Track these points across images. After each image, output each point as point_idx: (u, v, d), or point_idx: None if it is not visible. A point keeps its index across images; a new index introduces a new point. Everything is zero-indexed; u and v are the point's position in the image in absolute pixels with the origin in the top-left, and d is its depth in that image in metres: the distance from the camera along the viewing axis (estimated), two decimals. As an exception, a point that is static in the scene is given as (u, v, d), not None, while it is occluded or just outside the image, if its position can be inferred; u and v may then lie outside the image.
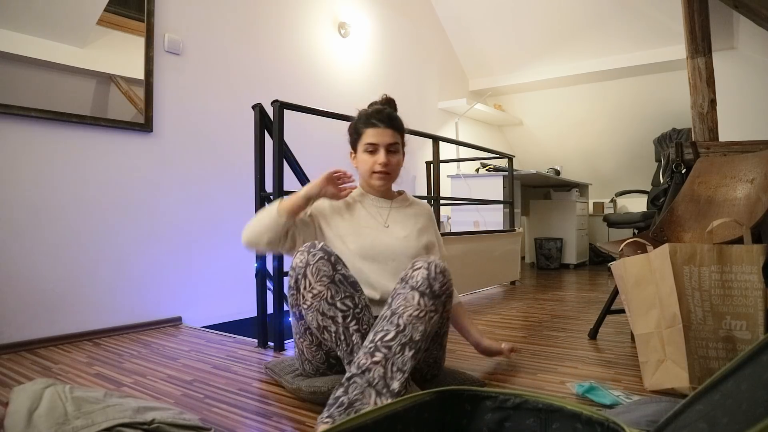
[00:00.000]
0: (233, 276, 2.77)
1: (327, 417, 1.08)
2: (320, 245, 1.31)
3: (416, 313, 1.19)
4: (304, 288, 1.27)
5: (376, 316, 1.34)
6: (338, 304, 1.25)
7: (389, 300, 1.25)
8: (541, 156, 5.84)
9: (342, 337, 1.25)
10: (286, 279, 1.97)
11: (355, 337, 1.24)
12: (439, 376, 1.49)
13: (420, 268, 1.25)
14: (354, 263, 1.45)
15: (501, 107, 5.43)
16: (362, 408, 1.07)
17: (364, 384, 1.10)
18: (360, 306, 1.28)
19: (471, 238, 3.19)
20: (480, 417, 0.78)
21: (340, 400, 1.09)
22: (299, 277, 1.28)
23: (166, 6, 2.58)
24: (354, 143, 1.55)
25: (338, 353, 1.28)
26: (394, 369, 1.13)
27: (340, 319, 1.24)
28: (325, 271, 1.26)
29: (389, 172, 1.51)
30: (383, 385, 1.10)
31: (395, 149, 1.51)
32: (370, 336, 1.19)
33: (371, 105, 1.59)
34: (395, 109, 1.60)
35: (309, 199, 1.46)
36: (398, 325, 1.17)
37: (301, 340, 1.40)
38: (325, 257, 1.28)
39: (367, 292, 1.40)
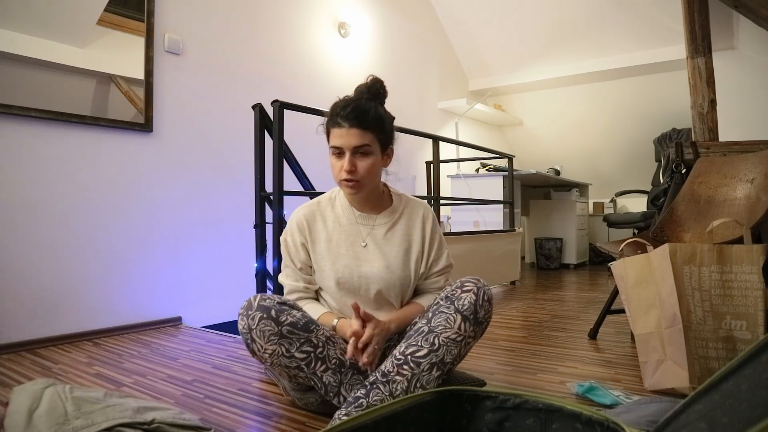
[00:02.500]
0: (233, 276, 2.77)
1: (344, 414, 1.11)
2: (256, 302, 1.20)
3: (454, 336, 1.18)
4: (258, 351, 1.20)
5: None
6: (297, 354, 1.19)
7: (428, 312, 1.23)
8: (541, 156, 5.83)
9: (314, 381, 1.22)
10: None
11: (326, 378, 1.21)
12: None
13: (469, 291, 1.23)
14: (334, 293, 1.35)
15: (501, 107, 5.43)
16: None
17: (386, 393, 1.11)
18: (320, 344, 1.22)
19: (471, 238, 3.19)
20: (480, 417, 0.78)
21: (360, 401, 1.11)
22: (248, 342, 1.21)
23: (166, 6, 2.58)
24: (328, 141, 1.32)
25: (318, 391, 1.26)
26: (418, 386, 1.14)
27: (304, 367, 1.20)
28: (270, 330, 1.17)
29: (358, 180, 1.26)
30: None
31: (365, 151, 1.25)
32: (402, 347, 1.18)
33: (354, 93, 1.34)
34: (380, 95, 1.32)
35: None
36: (433, 344, 1.16)
37: (280, 380, 1.39)
38: (265, 315, 1.18)
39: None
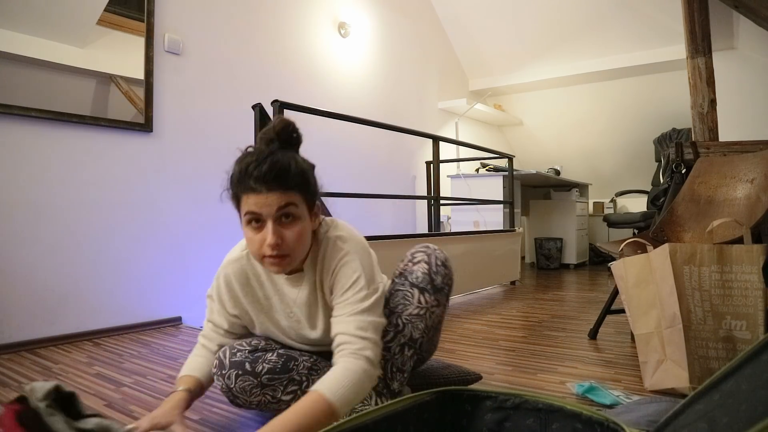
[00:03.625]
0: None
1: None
2: (227, 360, 1.12)
3: (416, 311, 1.13)
4: (244, 404, 1.16)
5: (324, 357, 1.19)
6: (284, 397, 1.15)
7: (388, 295, 1.16)
8: (541, 156, 5.84)
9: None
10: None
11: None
12: (429, 360, 1.43)
13: (419, 261, 1.17)
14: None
15: (501, 107, 5.43)
16: (364, 409, 1.07)
17: None
18: (304, 378, 1.16)
19: (471, 238, 3.19)
20: (480, 417, 0.78)
21: None
22: (231, 399, 1.15)
23: (166, 6, 2.58)
24: (237, 209, 1.05)
25: None
26: (394, 370, 1.12)
27: (293, 403, 1.07)
28: (250, 384, 1.12)
29: (287, 254, 1.02)
30: (383, 386, 1.10)
31: (292, 214, 1.00)
32: None
33: (259, 141, 1.04)
34: (293, 140, 1.06)
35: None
36: (397, 326, 1.12)
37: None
38: (241, 372, 1.11)
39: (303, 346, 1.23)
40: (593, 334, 2.12)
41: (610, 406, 1.31)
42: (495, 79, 5.35)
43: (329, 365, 1.04)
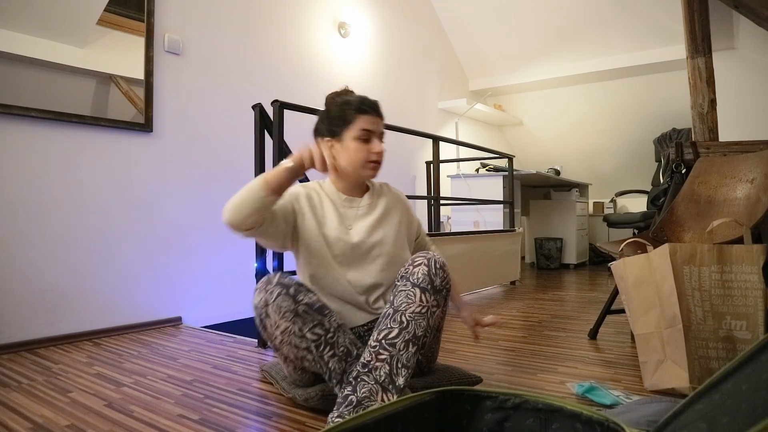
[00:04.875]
0: (233, 276, 2.77)
1: (337, 416, 1.11)
2: (276, 279, 1.25)
3: (419, 309, 1.21)
4: (271, 326, 1.24)
5: (365, 328, 1.37)
6: (308, 335, 1.22)
7: (391, 297, 1.26)
8: (541, 156, 5.84)
9: (320, 365, 1.24)
10: (286, 279, 1.97)
11: (332, 364, 1.22)
12: (433, 367, 1.51)
13: (420, 264, 1.26)
14: (331, 268, 1.37)
15: (501, 107, 5.43)
16: (370, 405, 1.10)
17: (371, 382, 1.14)
18: (331, 330, 1.24)
19: (471, 238, 3.19)
20: (480, 417, 0.78)
21: (350, 398, 1.12)
22: (262, 317, 1.25)
23: (166, 6, 2.58)
24: (338, 131, 1.37)
25: (323, 376, 1.27)
26: (399, 366, 1.16)
27: (313, 349, 1.22)
28: (287, 307, 1.21)
29: (381, 163, 1.40)
30: (389, 382, 1.14)
31: (383, 139, 1.42)
32: (375, 334, 1.21)
33: (340, 94, 1.50)
34: None
35: (296, 175, 1.24)
36: (401, 323, 1.19)
37: (285, 365, 1.39)
38: (284, 291, 1.22)
39: (353, 297, 1.38)
40: (593, 334, 2.12)
41: (610, 406, 1.31)
42: (495, 79, 5.35)
43: (352, 337, 1.28)
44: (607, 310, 2.11)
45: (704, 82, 2.65)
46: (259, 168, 2.06)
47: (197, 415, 1.31)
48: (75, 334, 2.17)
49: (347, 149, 1.36)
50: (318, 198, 1.43)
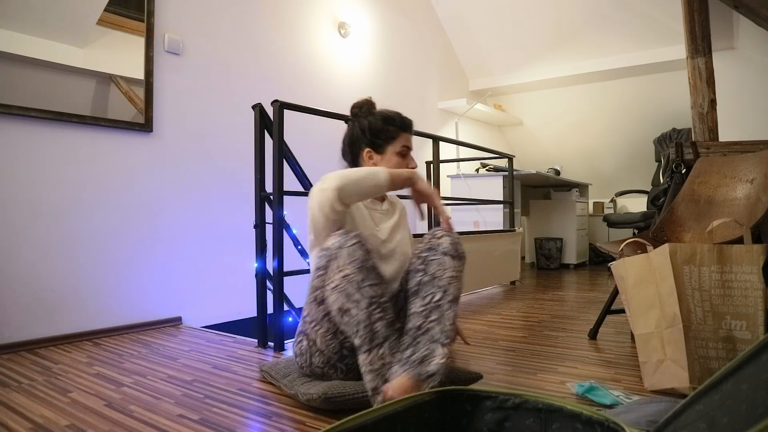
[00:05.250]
0: (233, 276, 2.77)
1: (402, 371, 1.18)
2: (355, 233, 1.34)
3: (452, 273, 1.34)
4: (336, 268, 1.29)
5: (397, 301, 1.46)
6: (365, 290, 1.26)
7: (422, 266, 1.37)
8: (541, 156, 5.84)
9: (364, 324, 1.24)
10: (286, 279, 1.97)
11: (379, 326, 1.24)
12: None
13: (443, 236, 1.39)
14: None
15: (501, 107, 5.43)
16: (432, 360, 1.20)
17: (428, 341, 1.24)
18: (385, 297, 1.31)
19: (471, 238, 3.19)
20: (480, 417, 0.78)
21: (412, 358, 1.21)
22: (332, 257, 1.30)
23: (166, 6, 2.58)
24: (381, 144, 1.57)
25: (355, 341, 1.26)
26: (447, 322, 1.29)
27: (364, 305, 1.25)
28: (359, 256, 1.29)
29: None
30: (446, 337, 1.26)
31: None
32: (418, 301, 1.32)
33: (365, 105, 1.64)
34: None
35: (408, 186, 1.43)
36: (441, 287, 1.32)
37: (317, 327, 1.39)
38: (359, 243, 1.31)
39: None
40: (593, 334, 2.12)
41: (610, 406, 1.31)
42: (495, 79, 5.35)
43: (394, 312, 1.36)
44: (607, 310, 2.11)
45: (704, 82, 2.66)
46: (260, 168, 2.06)
47: (197, 415, 1.31)
48: (75, 334, 2.17)
49: (388, 162, 1.55)
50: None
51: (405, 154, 1.58)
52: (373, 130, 1.57)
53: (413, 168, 1.56)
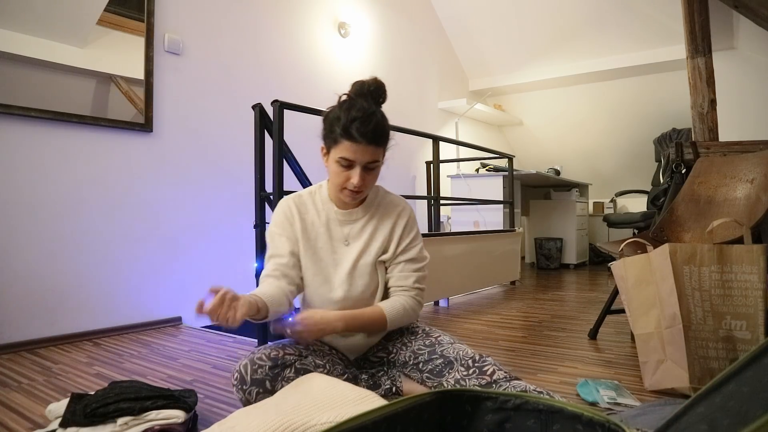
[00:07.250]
0: (233, 276, 2.76)
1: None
2: (249, 376, 1.17)
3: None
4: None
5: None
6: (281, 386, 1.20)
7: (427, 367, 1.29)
8: (541, 156, 5.83)
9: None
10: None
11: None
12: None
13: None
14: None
15: (501, 107, 5.43)
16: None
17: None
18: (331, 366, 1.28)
19: (471, 238, 3.19)
20: (480, 418, 0.78)
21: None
22: (244, 402, 1.19)
23: (166, 6, 2.58)
24: (327, 144, 1.27)
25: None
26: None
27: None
28: (265, 397, 1.16)
29: (362, 192, 1.27)
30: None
31: (374, 166, 1.25)
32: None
33: (356, 93, 1.27)
34: (383, 99, 1.30)
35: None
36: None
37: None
38: (261, 390, 1.17)
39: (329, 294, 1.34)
40: (593, 334, 2.12)
41: (593, 404, 1.31)
42: (495, 79, 5.34)
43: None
44: (607, 310, 2.11)
45: (704, 82, 2.65)
46: (260, 168, 2.06)
47: (197, 415, 1.31)
48: (75, 334, 2.17)
49: (329, 167, 1.28)
50: (311, 208, 1.36)
51: (347, 165, 1.23)
52: (326, 124, 1.27)
53: (355, 184, 1.23)
